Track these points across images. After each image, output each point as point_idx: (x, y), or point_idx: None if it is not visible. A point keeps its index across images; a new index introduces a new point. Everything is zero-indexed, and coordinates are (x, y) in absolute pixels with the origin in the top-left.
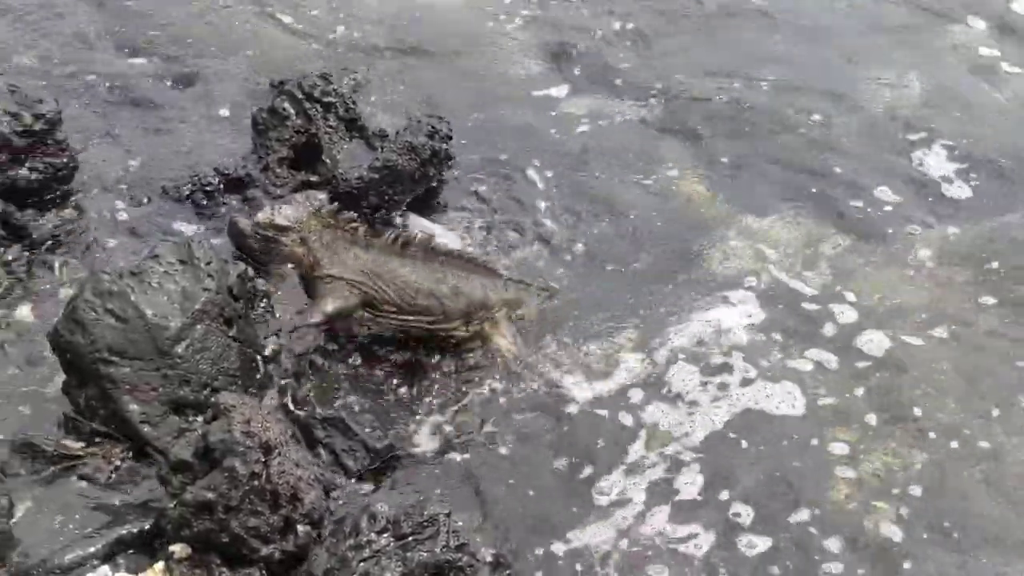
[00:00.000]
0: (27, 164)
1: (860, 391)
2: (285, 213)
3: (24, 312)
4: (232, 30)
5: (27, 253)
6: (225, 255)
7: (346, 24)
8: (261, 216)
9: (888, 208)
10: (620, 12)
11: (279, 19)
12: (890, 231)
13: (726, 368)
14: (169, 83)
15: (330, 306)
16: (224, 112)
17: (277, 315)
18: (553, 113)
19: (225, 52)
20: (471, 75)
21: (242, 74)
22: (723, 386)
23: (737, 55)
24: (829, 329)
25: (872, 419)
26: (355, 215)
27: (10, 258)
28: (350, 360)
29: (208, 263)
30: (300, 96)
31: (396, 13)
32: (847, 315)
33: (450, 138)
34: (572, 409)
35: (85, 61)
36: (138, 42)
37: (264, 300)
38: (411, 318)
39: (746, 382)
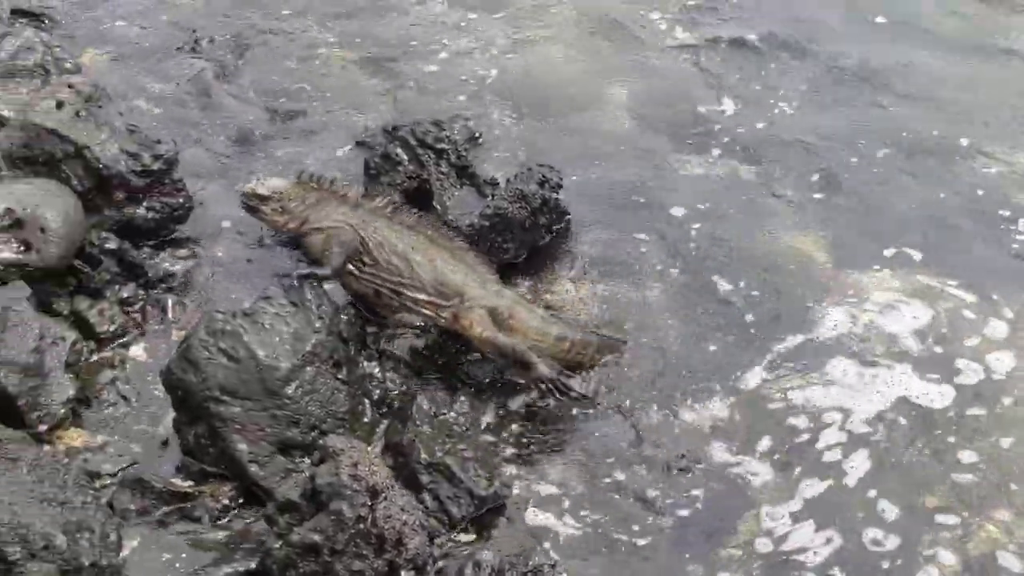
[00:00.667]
0: (144, 203)
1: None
2: (268, 184)
3: (137, 351)
4: (359, 79)
5: (142, 292)
6: (336, 298)
7: (469, 75)
8: (246, 187)
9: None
10: (729, 78)
11: (418, 70)
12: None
13: (879, 368)
14: (288, 126)
15: (336, 258)
16: (340, 155)
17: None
18: (665, 171)
19: (348, 98)
20: (585, 131)
21: (363, 120)
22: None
23: (849, 118)
24: (972, 341)
25: (1006, 442)
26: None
27: (125, 295)
28: (456, 406)
29: (319, 306)
30: (413, 142)
31: (523, 70)
32: (992, 331)
33: (560, 187)
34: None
35: (204, 103)
36: (258, 87)
37: (374, 344)
38: (383, 275)
39: (900, 379)
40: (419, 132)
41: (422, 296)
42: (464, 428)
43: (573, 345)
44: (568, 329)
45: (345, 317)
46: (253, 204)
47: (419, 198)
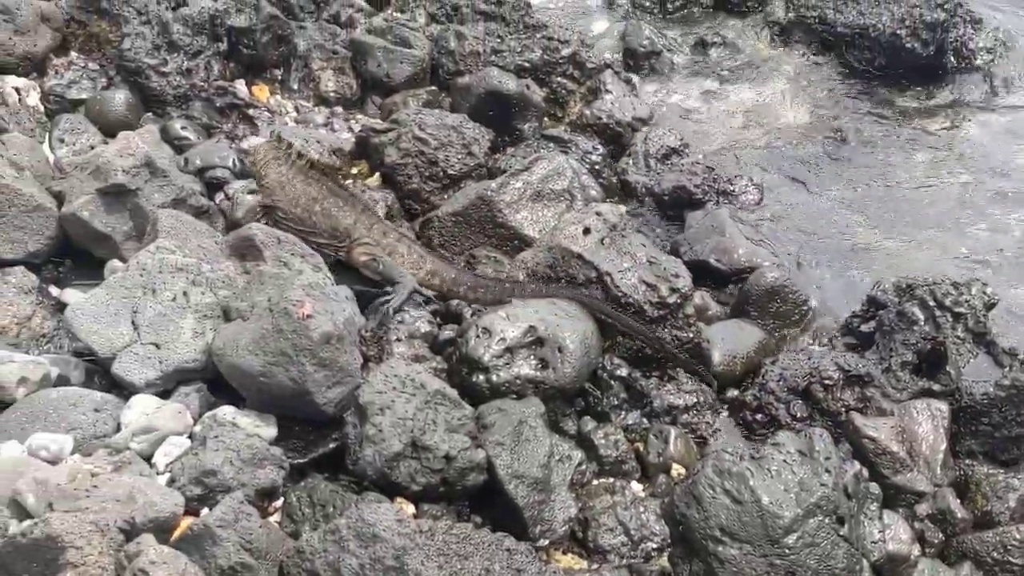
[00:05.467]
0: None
1: None
2: (250, 141)
3: (636, 479)
4: (869, 235)
5: (644, 421)
6: (842, 452)
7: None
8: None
9: None
10: None
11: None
12: None
13: None
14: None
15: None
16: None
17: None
18: None
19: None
20: None
21: (869, 277)
22: None
23: None
24: None
25: None
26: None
27: (630, 422)
28: None
29: (827, 458)
30: (931, 303)
31: None
32: None
33: None
34: None
35: (717, 243)
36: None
37: (875, 504)
38: (292, 224)
39: None
40: (938, 293)
41: (322, 239)
42: None
43: (443, 282)
44: (443, 267)
45: (851, 472)
46: (242, 158)
47: (931, 360)
